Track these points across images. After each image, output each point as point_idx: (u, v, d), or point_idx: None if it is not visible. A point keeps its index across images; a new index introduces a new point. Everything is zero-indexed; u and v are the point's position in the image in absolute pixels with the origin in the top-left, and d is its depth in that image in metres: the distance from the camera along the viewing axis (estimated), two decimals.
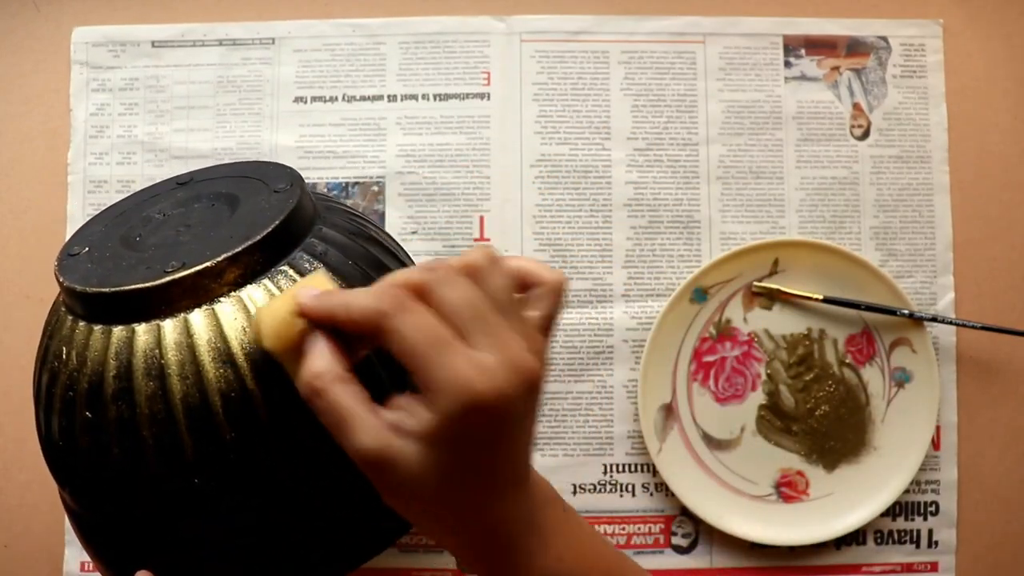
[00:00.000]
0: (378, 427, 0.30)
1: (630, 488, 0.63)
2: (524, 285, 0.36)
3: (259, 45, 0.65)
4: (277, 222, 0.38)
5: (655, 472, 0.62)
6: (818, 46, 0.65)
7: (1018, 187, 0.65)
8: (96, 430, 0.37)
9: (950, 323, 0.62)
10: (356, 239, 0.43)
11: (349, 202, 0.64)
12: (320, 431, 0.31)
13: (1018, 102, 0.65)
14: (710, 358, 0.63)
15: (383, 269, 0.43)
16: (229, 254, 0.36)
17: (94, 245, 0.42)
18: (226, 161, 0.64)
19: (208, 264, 0.36)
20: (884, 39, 0.65)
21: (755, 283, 0.63)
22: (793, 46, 0.65)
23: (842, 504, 0.61)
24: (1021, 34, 0.66)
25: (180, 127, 0.65)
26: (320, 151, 0.64)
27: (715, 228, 0.64)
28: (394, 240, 0.52)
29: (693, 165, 0.65)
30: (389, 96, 0.65)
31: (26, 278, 0.65)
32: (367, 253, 0.42)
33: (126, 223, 0.44)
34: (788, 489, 0.62)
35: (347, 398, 0.30)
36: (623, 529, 0.62)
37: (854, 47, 0.65)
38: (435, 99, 0.65)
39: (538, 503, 0.35)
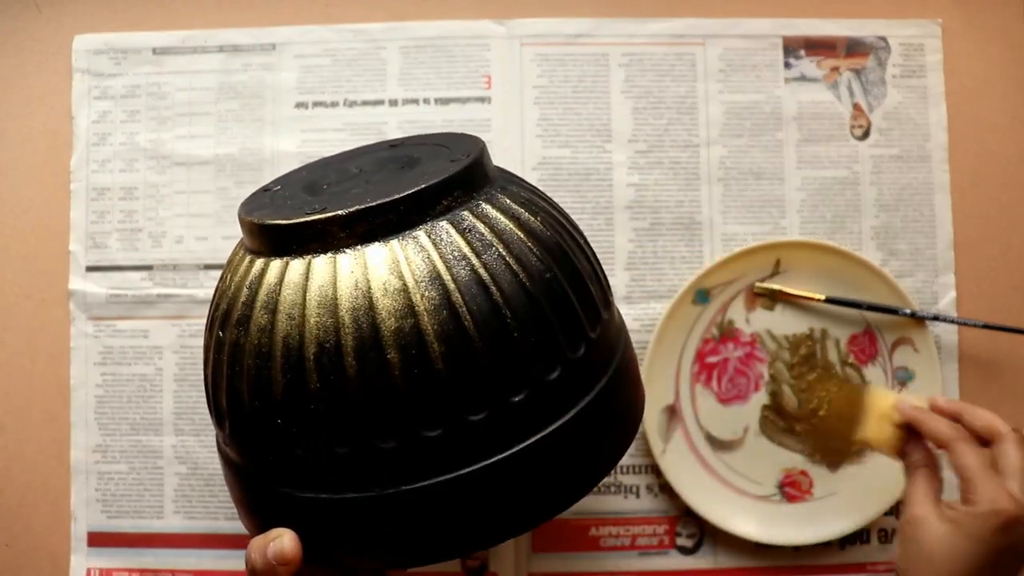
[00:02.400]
0: (930, 504, 0.47)
1: (634, 489, 0.63)
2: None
3: (260, 51, 0.65)
4: (412, 190, 0.37)
5: (659, 473, 0.62)
6: (818, 47, 0.66)
7: (1018, 186, 0.65)
8: (218, 351, 0.39)
9: (951, 322, 0.62)
10: (517, 220, 0.40)
11: None
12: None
13: (1017, 102, 0.66)
14: (713, 359, 0.63)
15: (537, 258, 0.40)
16: (358, 208, 0.36)
17: (286, 185, 0.44)
18: (228, 168, 0.65)
19: (338, 213, 0.36)
20: (883, 39, 0.66)
21: (757, 284, 0.63)
22: (793, 47, 0.66)
23: (846, 503, 0.62)
24: (1020, 34, 0.66)
25: (182, 134, 0.65)
26: (322, 156, 0.64)
27: (716, 229, 0.64)
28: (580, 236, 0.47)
29: (694, 167, 0.65)
30: (390, 101, 0.65)
31: (26, 279, 0.65)
32: (520, 237, 0.39)
33: (325, 171, 0.46)
34: (792, 489, 0.62)
35: (926, 480, 0.49)
36: (628, 530, 0.62)
37: (854, 47, 0.66)
38: (436, 103, 0.65)
39: None
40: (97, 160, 0.65)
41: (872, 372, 0.63)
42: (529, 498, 0.38)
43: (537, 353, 0.37)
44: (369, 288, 0.35)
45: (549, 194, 0.64)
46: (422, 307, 0.35)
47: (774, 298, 0.63)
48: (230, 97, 0.65)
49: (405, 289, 0.35)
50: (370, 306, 0.35)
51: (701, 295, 0.63)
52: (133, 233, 0.64)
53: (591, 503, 0.63)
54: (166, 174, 0.65)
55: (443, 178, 0.38)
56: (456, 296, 0.35)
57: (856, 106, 0.65)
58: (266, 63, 0.65)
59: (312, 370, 0.35)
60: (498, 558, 0.62)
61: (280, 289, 0.36)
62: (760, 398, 0.63)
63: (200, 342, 0.63)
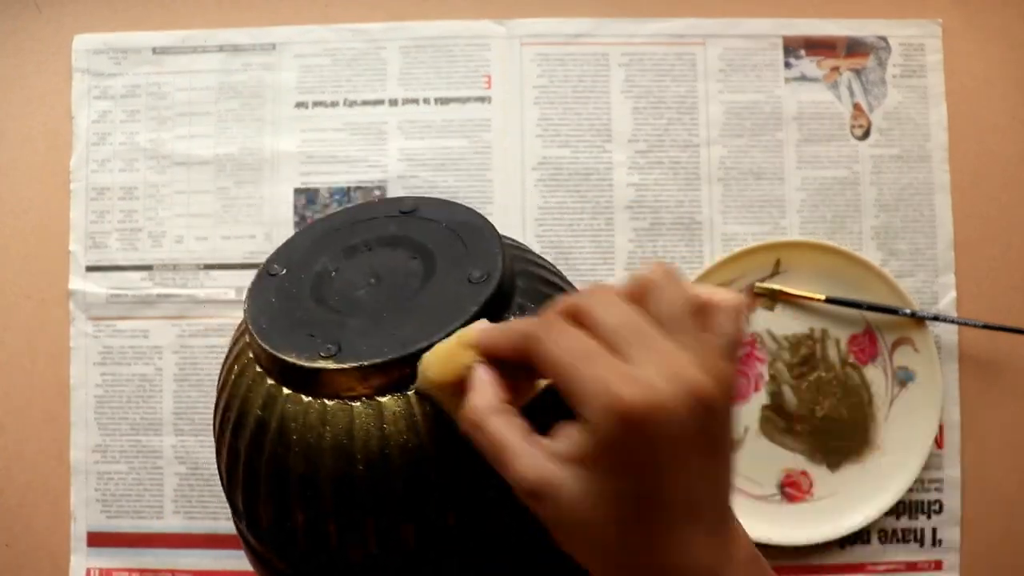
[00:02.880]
0: (536, 455, 0.28)
1: None
2: (700, 312, 0.32)
3: (260, 51, 0.65)
4: (428, 343, 0.34)
5: None
6: (818, 47, 0.66)
7: (1018, 186, 0.65)
8: (232, 456, 0.38)
9: (952, 322, 0.62)
10: None
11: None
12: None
13: (1017, 102, 0.65)
14: None
15: None
16: (377, 361, 0.35)
17: (291, 269, 0.42)
18: (228, 168, 0.64)
19: (351, 365, 0.35)
20: (884, 39, 0.66)
21: (757, 284, 0.63)
22: (793, 47, 0.66)
23: (846, 503, 0.62)
24: (1020, 34, 0.66)
25: (182, 133, 0.65)
26: (322, 156, 0.64)
27: (716, 229, 0.64)
28: None
29: (694, 167, 0.65)
30: (390, 100, 0.65)
31: (26, 279, 0.65)
32: None
33: (331, 247, 0.43)
34: (792, 489, 0.62)
35: (505, 429, 0.29)
36: None
37: (854, 47, 0.66)
38: (436, 103, 0.65)
39: (735, 561, 0.30)
40: (97, 160, 0.65)
41: (872, 372, 0.63)
42: None
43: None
44: (386, 443, 0.34)
45: (549, 194, 0.65)
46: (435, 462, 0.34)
47: (774, 298, 0.63)
48: (230, 97, 0.65)
49: (421, 446, 0.34)
50: (387, 464, 0.35)
51: None
52: (133, 233, 0.64)
53: None
54: (166, 174, 0.65)
55: (462, 322, 0.35)
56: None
57: (856, 106, 0.65)
58: (266, 63, 0.65)
59: (329, 511, 0.35)
60: None
61: (295, 428, 0.36)
62: (760, 398, 0.63)
63: (200, 343, 0.64)
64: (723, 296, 0.32)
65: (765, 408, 0.63)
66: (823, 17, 0.66)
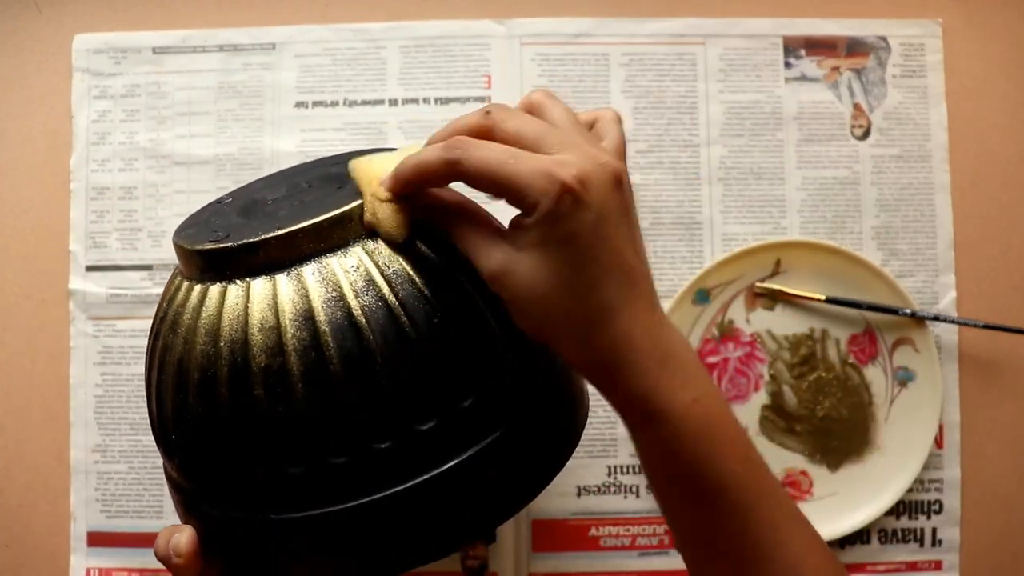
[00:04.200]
0: (494, 247, 0.34)
1: (634, 489, 0.63)
2: (585, 123, 0.38)
3: (260, 50, 0.65)
4: (307, 223, 0.36)
5: None
6: (818, 46, 0.66)
7: (1018, 186, 0.65)
8: (149, 359, 0.40)
9: (952, 322, 0.62)
10: (415, 259, 0.39)
11: None
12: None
13: (1017, 102, 0.65)
14: (713, 359, 0.63)
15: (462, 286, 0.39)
16: (246, 241, 0.36)
17: (236, 198, 0.45)
18: (228, 168, 0.64)
19: (227, 245, 0.37)
20: (884, 39, 0.66)
21: (757, 284, 0.63)
22: (793, 47, 0.66)
23: (846, 503, 0.62)
24: (1020, 34, 0.66)
25: (182, 133, 0.65)
26: (322, 156, 0.64)
27: (717, 229, 0.64)
28: None
29: (694, 166, 0.65)
30: (390, 100, 0.65)
31: (26, 278, 0.65)
32: (411, 278, 0.38)
33: (279, 185, 0.45)
34: (792, 489, 0.62)
35: (470, 229, 0.35)
36: (628, 531, 0.62)
37: (854, 47, 0.66)
38: (436, 103, 0.65)
39: (672, 337, 0.35)
40: (97, 159, 0.65)
41: (872, 372, 0.63)
42: (438, 524, 0.38)
43: (411, 401, 0.36)
44: (247, 323, 0.36)
45: None
46: (291, 346, 0.35)
47: (774, 298, 0.63)
48: (230, 97, 0.65)
49: (278, 327, 0.36)
50: (245, 340, 0.36)
51: (701, 295, 0.63)
52: (133, 233, 0.64)
53: (591, 503, 0.63)
54: (166, 173, 0.65)
55: (341, 211, 0.37)
56: (325, 338, 0.35)
57: (856, 106, 0.65)
58: (266, 63, 0.65)
59: (194, 395, 0.37)
60: (498, 558, 0.62)
61: (182, 312, 0.38)
62: (760, 398, 0.63)
63: None
64: (603, 110, 0.39)
65: (765, 408, 0.63)
66: (823, 17, 0.66)
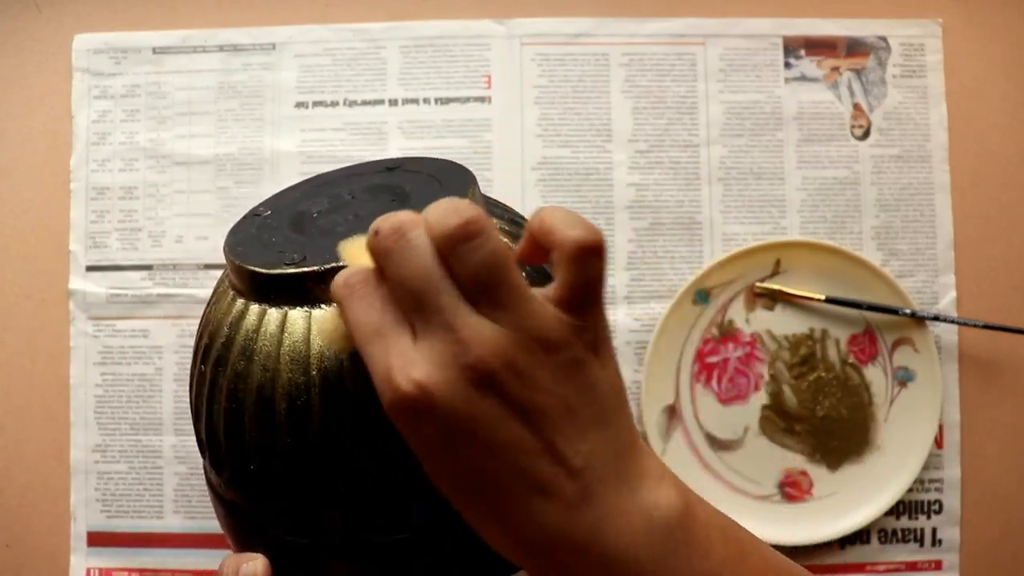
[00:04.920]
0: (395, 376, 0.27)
1: None
2: (544, 246, 0.29)
3: (260, 50, 0.65)
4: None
5: None
6: (818, 47, 0.66)
7: (1018, 186, 0.65)
8: (199, 383, 0.39)
9: (952, 322, 0.62)
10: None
11: None
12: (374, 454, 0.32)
13: (1017, 102, 0.65)
14: (713, 359, 0.63)
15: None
16: (334, 265, 0.35)
17: (276, 212, 0.43)
18: (228, 168, 0.64)
19: (314, 269, 0.35)
20: (883, 39, 0.66)
21: (757, 284, 0.63)
22: (793, 47, 0.66)
23: (846, 503, 0.62)
24: (1020, 34, 0.66)
25: (182, 133, 0.65)
26: (322, 156, 0.64)
27: (717, 229, 0.64)
28: None
29: (694, 166, 0.65)
30: (390, 100, 0.65)
31: (26, 278, 0.65)
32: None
33: (316, 196, 0.44)
34: (792, 489, 0.62)
35: (378, 351, 0.28)
36: None
37: (854, 47, 0.66)
38: (436, 103, 0.65)
39: (610, 529, 0.27)
40: (97, 160, 0.65)
41: (872, 372, 0.63)
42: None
43: None
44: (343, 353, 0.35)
45: (549, 194, 0.65)
46: None
47: (774, 298, 0.63)
48: (230, 97, 0.65)
49: None
50: (340, 368, 0.35)
51: (701, 295, 0.63)
52: (133, 233, 0.64)
53: None
54: (166, 173, 0.65)
55: None
56: None
57: (856, 106, 0.65)
58: (266, 63, 0.65)
59: (283, 424, 0.35)
60: None
61: (257, 337, 0.36)
62: (760, 398, 0.63)
63: None
64: (558, 234, 0.27)
65: (765, 408, 0.63)
66: (823, 17, 0.66)
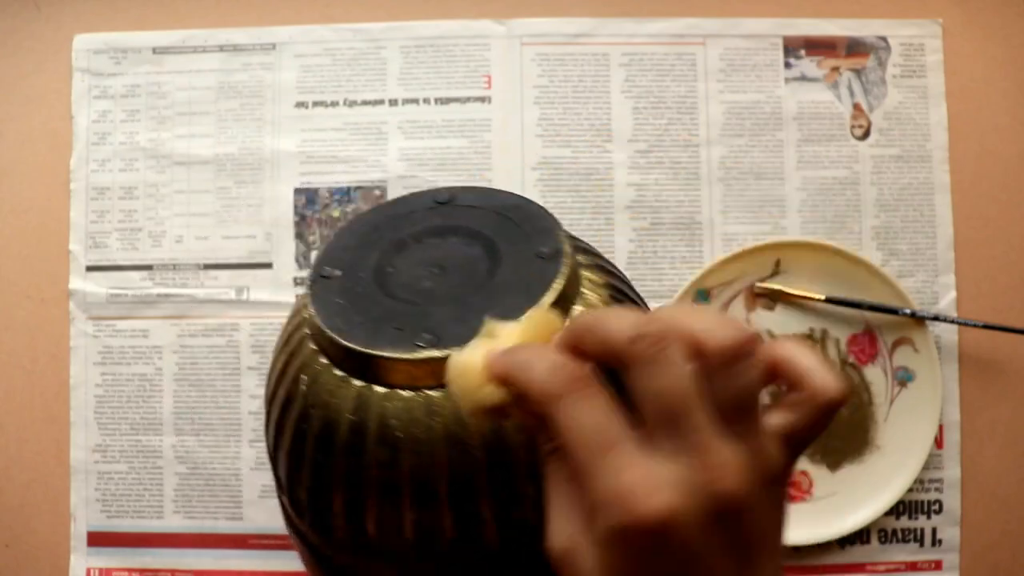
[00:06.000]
0: (574, 520, 0.25)
1: None
2: (784, 380, 0.27)
3: (260, 50, 0.65)
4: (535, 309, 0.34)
5: None
6: (818, 47, 0.66)
7: (1018, 186, 0.65)
8: (319, 472, 0.36)
9: (952, 322, 0.62)
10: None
11: (351, 207, 0.64)
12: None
13: (1017, 102, 0.65)
14: None
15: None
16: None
17: (347, 270, 0.40)
18: (228, 168, 0.64)
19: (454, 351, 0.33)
20: (884, 39, 0.66)
21: (757, 284, 0.63)
22: (793, 47, 0.66)
23: (846, 503, 0.62)
24: (1020, 34, 0.66)
25: (182, 133, 0.65)
26: (322, 156, 0.64)
27: (717, 229, 0.64)
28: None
29: (694, 166, 0.65)
30: (390, 100, 0.65)
31: (27, 278, 0.65)
32: None
33: (378, 244, 0.41)
34: (792, 489, 0.62)
35: (558, 487, 0.26)
36: None
37: (854, 47, 0.66)
38: (436, 103, 0.65)
39: None
40: (97, 160, 0.65)
41: (872, 372, 0.63)
42: None
43: None
44: (466, 435, 0.34)
45: (549, 194, 0.65)
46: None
47: (774, 298, 0.63)
48: (230, 96, 0.65)
49: (500, 442, 0.34)
50: (505, 445, 0.34)
51: (701, 295, 0.63)
52: (133, 233, 0.64)
53: None
54: (166, 173, 0.65)
55: (553, 295, 0.35)
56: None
57: (856, 106, 0.65)
58: (266, 63, 0.65)
59: (410, 508, 0.34)
60: None
61: (398, 426, 0.34)
62: (760, 398, 0.63)
63: (200, 342, 0.63)
64: (814, 379, 0.26)
65: (765, 408, 0.63)
66: (823, 17, 0.66)
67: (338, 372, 0.36)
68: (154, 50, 0.65)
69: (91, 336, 0.64)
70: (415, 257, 0.40)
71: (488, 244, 0.40)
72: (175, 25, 0.66)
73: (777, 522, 0.26)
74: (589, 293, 0.39)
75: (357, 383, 0.35)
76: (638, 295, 0.44)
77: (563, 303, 0.36)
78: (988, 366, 0.64)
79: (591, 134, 0.65)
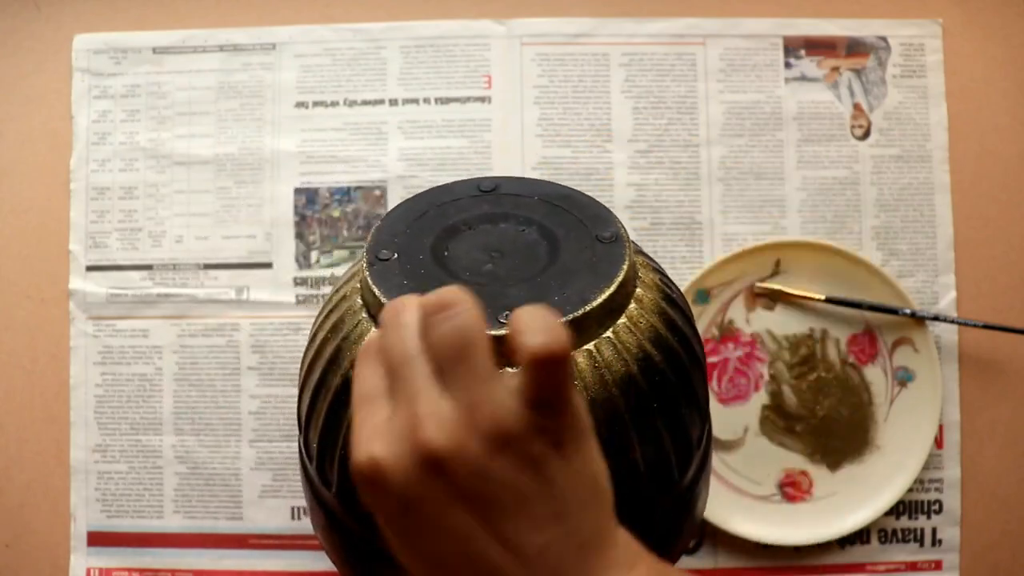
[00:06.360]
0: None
1: None
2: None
3: (260, 50, 0.65)
4: (612, 288, 0.36)
5: None
6: (818, 47, 0.66)
7: (1018, 186, 0.65)
8: None
9: (952, 322, 0.62)
10: (667, 305, 0.41)
11: (351, 207, 0.64)
12: None
13: (1017, 102, 0.65)
14: (713, 359, 0.63)
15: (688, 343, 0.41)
16: (566, 319, 0.35)
17: (402, 251, 0.41)
18: (228, 168, 0.64)
19: None
20: (884, 39, 0.66)
21: (757, 284, 0.63)
22: (793, 47, 0.66)
23: (846, 503, 0.62)
24: (1020, 34, 0.66)
25: (182, 133, 0.65)
26: (322, 156, 0.64)
27: (717, 229, 0.64)
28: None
29: (694, 166, 0.65)
30: (390, 100, 0.65)
31: (27, 278, 0.65)
32: (675, 324, 0.40)
33: (430, 228, 0.42)
34: (792, 489, 0.62)
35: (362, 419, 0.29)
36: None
37: (854, 47, 0.66)
38: (436, 103, 0.65)
39: None
40: (97, 160, 0.65)
41: (872, 372, 0.63)
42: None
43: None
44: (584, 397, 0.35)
45: None
46: (621, 405, 0.36)
47: (774, 298, 0.63)
48: (230, 96, 0.65)
49: (610, 398, 0.36)
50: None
51: (701, 295, 0.63)
52: (133, 233, 0.64)
53: None
54: (166, 173, 0.65)
55: (623, 276, 0.38)
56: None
57: (856, 106, 0.65)
58: (266, 63, 0.65)
59: None
60: None
61: None
62: (760, 398, 0.63)
63: (200, 342, 0.64)
64: (521, 338, 0.26)
65: (765, 408, 0.63)
66: (823, 17, 0.66)
67: None
68: (154, 50, 0.65)
69: (91, 336, 0.64)
70: (470, 242, 0.41)
71: (543, 230, 0.41)
72: (175, 25, 0.66)
73: (538, 478, 0.26)
74: (644, 275, 0.41)
75: None
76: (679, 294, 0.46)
77: (627, 284, 0.38)
78: (988, 366, 0.64)
79: (591, 134, 0.65)
